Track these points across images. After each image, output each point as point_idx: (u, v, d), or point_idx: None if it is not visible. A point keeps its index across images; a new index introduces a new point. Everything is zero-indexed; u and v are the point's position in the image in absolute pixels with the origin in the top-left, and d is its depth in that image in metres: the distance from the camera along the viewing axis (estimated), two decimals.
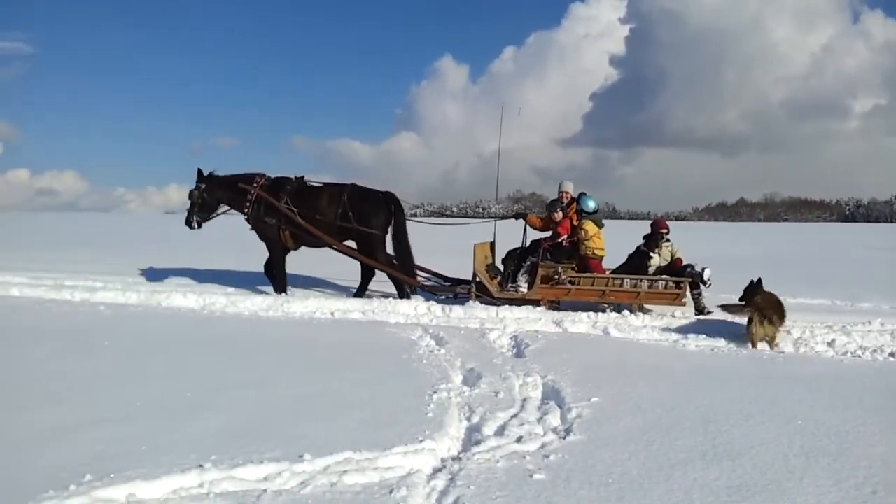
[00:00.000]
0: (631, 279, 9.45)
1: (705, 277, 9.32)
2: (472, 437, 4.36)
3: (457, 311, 9.28)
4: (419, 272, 11.01)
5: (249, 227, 10.96)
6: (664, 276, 9.53)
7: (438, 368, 6.03)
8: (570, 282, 9.51)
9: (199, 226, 11.14)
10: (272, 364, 6.19)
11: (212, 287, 11.28)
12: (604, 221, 10.10)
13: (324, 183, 10.99)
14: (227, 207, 11.15)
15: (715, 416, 4.75)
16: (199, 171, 11.06)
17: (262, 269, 11.02)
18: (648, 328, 8.36)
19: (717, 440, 4.26)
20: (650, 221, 10.30)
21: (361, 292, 10.84)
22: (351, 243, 10.86)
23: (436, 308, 9.43)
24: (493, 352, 6.93)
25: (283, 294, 10.51)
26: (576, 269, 9.66)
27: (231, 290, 10.96)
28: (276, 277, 10.81)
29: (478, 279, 10.01)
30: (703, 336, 7.85)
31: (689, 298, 9.53)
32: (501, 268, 10.38)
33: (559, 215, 10.13)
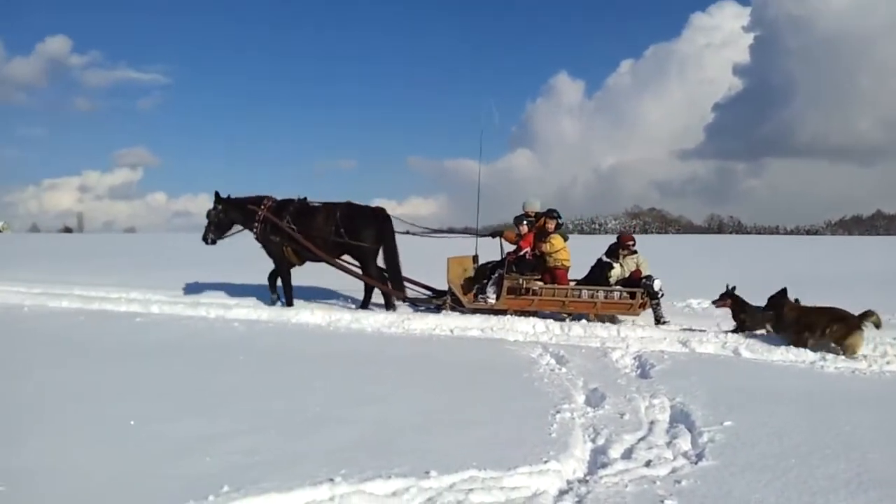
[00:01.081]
0: (588, 290, 9.90)
1: (656, 288, 9.74)
2: (598, 460, 4.29)
3: (576, 329, 9.17)
4: (408, 284, 11.63)
5: (260, 245, 11.89)
6: (618, 287, 9.97)
7: (560, 388, 5.97)
8: (533, 292, 9.98)
9: (214, 242, 12.15)
10: (396, 379, 6.32)
11: (336, 303, 11.67)
12: (568, 235, 10.74)
13: (323, 203, 11.76)
14: (240, 228, 12.10)
15: (859, 442, 4.48)
16: (217, 194, 12.01)
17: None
18: (783, 349, 7.95)
19: (862, 468, 4.01)
20: (616, 234, 10.90)
21: (366, 304, 11.53)
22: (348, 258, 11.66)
23: (554, 326, 9.35)
24: (617, 372, 6.79)
25: (291, 306, 11.30)
26: (541, 280, 10.23)
27: (354, 306, 11.33)
28: (283, 290, 11.73)
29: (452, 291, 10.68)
30: (842, 357, 7.40)
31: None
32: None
33: (524, 228, 10.66)
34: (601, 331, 9.02)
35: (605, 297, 9.83)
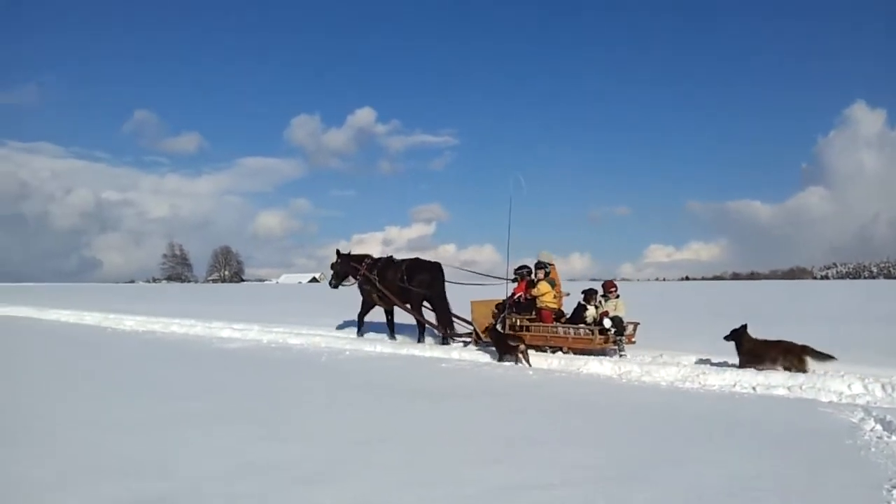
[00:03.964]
0: (563, 327, 11.76)
1: (606, 326, 11.28)
2: None
3: None
4: (457, 321, 14.24)
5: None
6: (582, 325, 11.57)
7: (892, 459, 5.35)
8: (526, 328, 11.96)
9: (336, 287, 15.69)
10: (699, 439, 6.10)
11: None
12: (556, 282, 12.68)
13: (402, 259, 14.88)
14: (352, 281, 15.32)
15: None
16: (337, 251, 15.48)
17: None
18: None
19: None
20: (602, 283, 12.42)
21: (446, 340, 14.02)
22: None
23: (874, 386, 8.42)
24: None
25: (361, 336, 14.82)
26: (534, 319, 12.18)
27: (641, 358, 11.18)
28: (358, 322, 15.26)
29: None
30: None
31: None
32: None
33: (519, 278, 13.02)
34: None
35: (574, 334, 11.49)
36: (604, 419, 6.97)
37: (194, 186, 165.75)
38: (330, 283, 15.95)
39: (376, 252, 15.73)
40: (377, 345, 13.49)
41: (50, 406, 7.73)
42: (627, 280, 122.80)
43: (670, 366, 10.08)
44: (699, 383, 9.12)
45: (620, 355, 11.29)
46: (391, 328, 14.99)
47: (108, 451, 5.71)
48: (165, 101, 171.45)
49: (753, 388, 8.70)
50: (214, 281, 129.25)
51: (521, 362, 10.89)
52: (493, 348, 11.79)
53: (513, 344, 11.13)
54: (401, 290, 14.31)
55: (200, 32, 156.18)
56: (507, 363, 11.07)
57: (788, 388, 8.60)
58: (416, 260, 14.71)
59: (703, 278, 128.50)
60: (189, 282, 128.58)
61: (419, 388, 8.82)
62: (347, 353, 12.61)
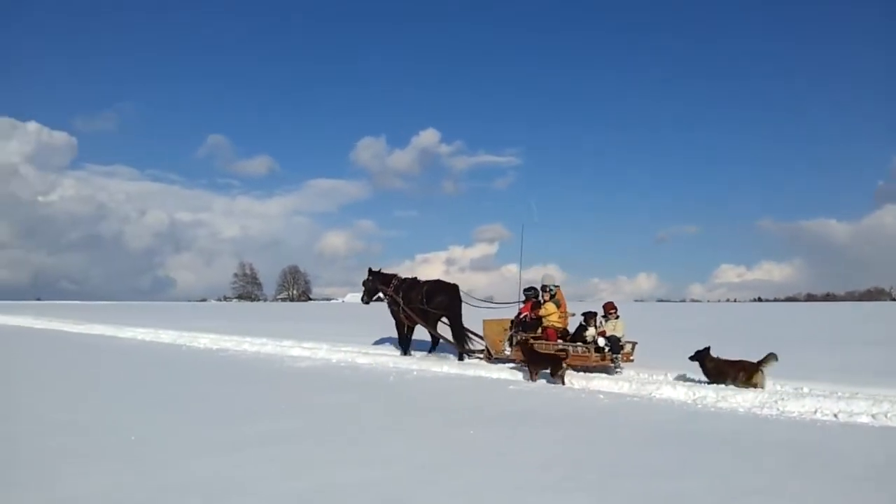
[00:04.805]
0: (563, 345, 12.24)
1: (601, 344, 12.00)
2: None
3: None
4: (474, 337, 15.34)
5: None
6: (580, 343, 12.25)
7: None
8: (531, 346, 12.28)
9: (367, 303, 16.96)
10: (787, 472, 5.86)
11: (699, 374, 11.32)
12: (561, 302, 13.34)
13: (424, 280, 16.10)
14: (381, 297, 16.38)
15: None
16: (369, 269, 16.61)
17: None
18: None
19: None
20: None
21: (462, 356, 14.89)
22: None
23: None
24: None
25: (407, 355, 15.61)
26: (538, 336, 12.75)
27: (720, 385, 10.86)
28: (403, 343, 16.05)
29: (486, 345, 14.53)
30: None
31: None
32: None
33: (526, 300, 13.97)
34: None
35: (573, 351, 12.07)
36: (683, 448, 6.79)
37: (264, 207, 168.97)
38: (362, 299, 17.05)
39: (437, 272, 16.52)
40: (444, 365, 13.56)
41: (138, 425, 8.01)
42: (697, 301, 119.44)
43: (747, 391, 9.80)
44: (777, 409, 8.83)
45: (616, 371, 12.10)
46: (405, 345, 16.06)
47: (194, 472, 5.88)
48: (238, 125, 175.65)
49: (835, 416, 8.40)
50: (283, 300, 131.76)
51: (557, 381, 11.30)
52: (518, 364, 12.41)
53: (546, 361, 11.73)
54: (421, 311, 15.48)
55: (270, 60, 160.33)
56: (563, 384, 11.15)
57: (873, 416, 8.27)
58: (437, 282, 15.93)
59: (776, 299, 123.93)
60: (259, 300, 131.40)
61: (489, 412, 8.83)
62: (415, 373, 12.71)
